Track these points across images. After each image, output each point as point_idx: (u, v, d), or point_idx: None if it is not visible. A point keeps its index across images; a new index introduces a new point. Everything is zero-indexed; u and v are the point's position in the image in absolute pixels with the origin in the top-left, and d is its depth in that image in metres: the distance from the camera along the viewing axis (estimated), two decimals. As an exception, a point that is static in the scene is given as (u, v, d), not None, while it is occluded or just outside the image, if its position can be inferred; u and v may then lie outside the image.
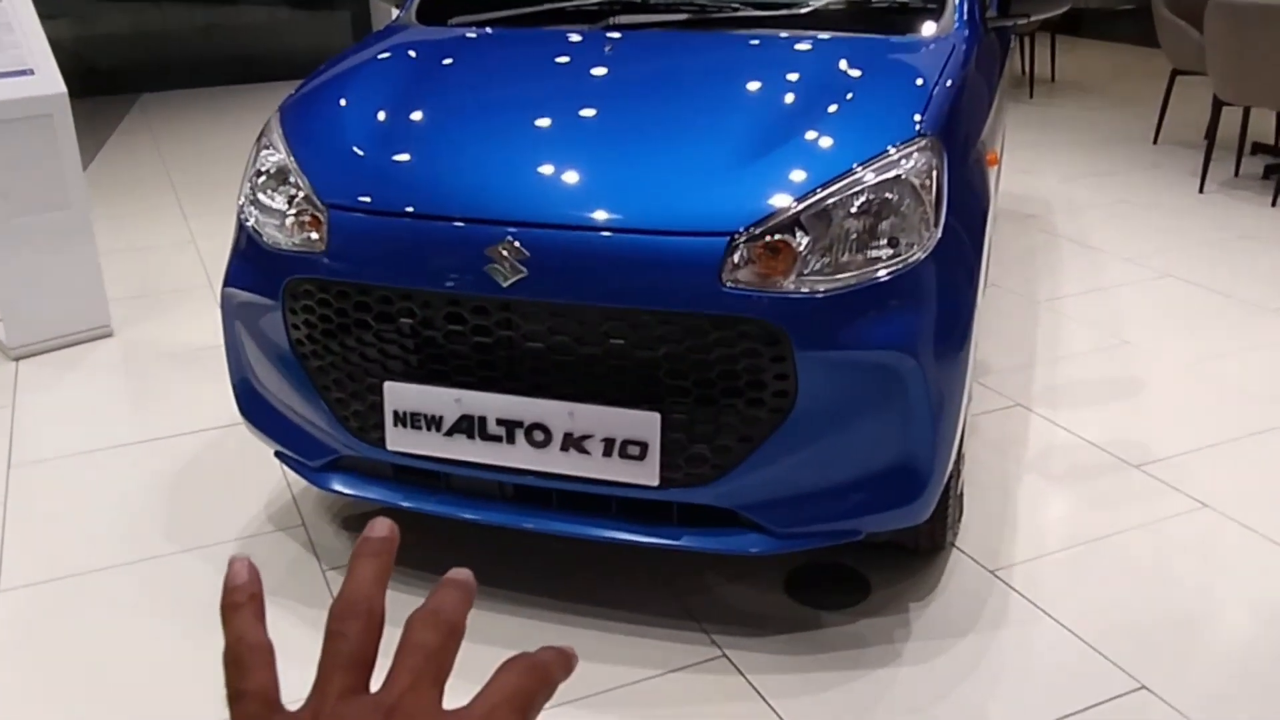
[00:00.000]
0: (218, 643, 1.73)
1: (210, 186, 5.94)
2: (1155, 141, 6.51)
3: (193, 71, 8.95)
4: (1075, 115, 7.26)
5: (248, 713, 0.47)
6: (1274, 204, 5.35)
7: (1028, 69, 8.33)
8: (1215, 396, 3.50)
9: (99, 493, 3.06)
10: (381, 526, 0.53)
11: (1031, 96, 7.82)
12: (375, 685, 0.48)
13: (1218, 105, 5.67)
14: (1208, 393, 3.52)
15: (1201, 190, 5.59)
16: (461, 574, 0.51)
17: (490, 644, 2.42)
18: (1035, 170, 5.94)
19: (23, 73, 3.71)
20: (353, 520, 2.89)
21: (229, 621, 0.50)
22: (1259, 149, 6.02)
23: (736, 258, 2.12)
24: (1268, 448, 3.19)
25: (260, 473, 3.11)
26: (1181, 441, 3.21)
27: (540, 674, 0.48)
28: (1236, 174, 5.80)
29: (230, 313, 2.56)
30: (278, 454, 2.65)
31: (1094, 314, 4.14)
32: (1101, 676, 2.30)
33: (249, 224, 2.50)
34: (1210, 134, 5.77)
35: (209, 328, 4.09)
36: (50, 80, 3.75)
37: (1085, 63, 8.96)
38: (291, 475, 3.06)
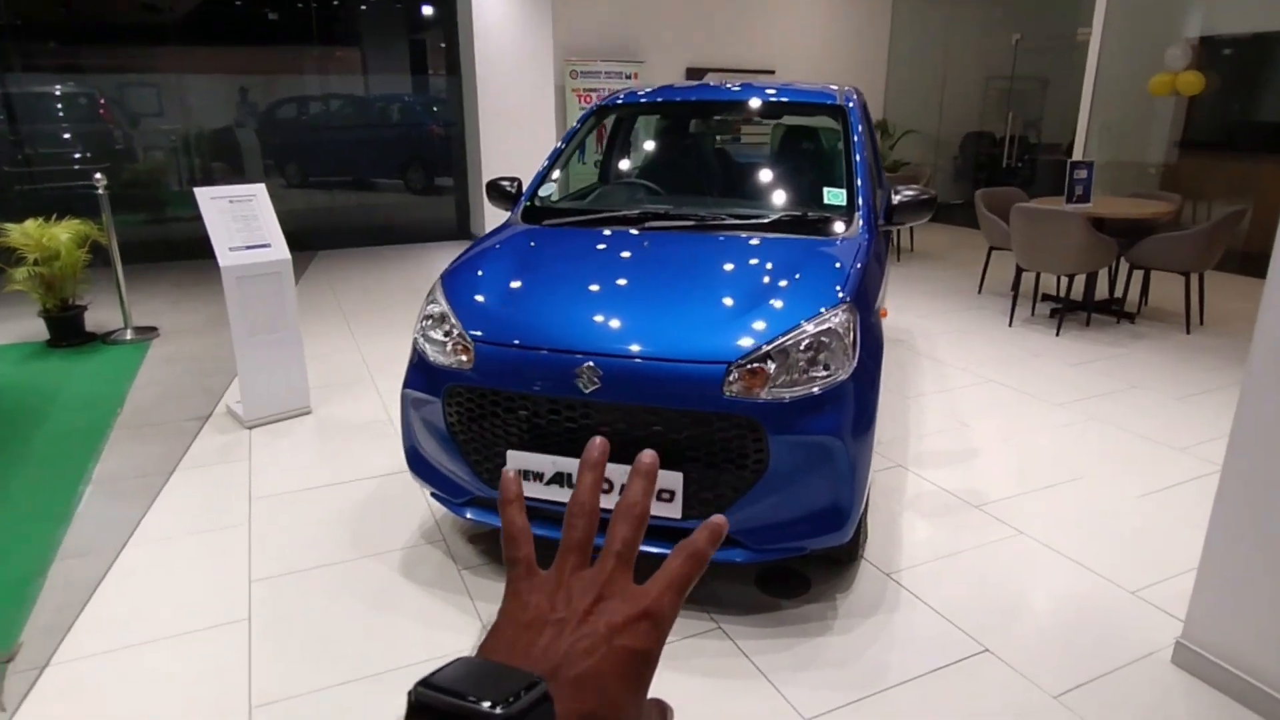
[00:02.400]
0: (392, 617, 2.00)
1: (368, 313, 6.13)
2: (979, 292, 6.72)
3: (352, 235, 9.21)
4: (926, 274, 7.50)
5: (518, 573, 0.49)
6: (1057, 334, 5.54)
7: (896, 243, 8.64)
8: (1024, 461, 3.62)
9: (308, 517, 3.17)
10: (597, 446, 0.53)
11: (899, 260, 8.10)
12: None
13: (1019, 270, 5.92)
14: (1019, 459, 3.65)
15: (1010, 325, 5.78)
16: (645, 462, 0.52)
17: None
18: (902, 310, 6.15)
19: (264, 245, 3.92)
20: (477, 537, 3.00)
21: (504, 512, 0.51)
22: (1046, 298, 6.26)
23: (731, 377, 2.29)
24: (1060, 495, 3.32)
25: (412, 505, 3.24)
26: (1005, 490, 3.34)
27: (698, 560, 0.48)
28: (1032, 314, 6.02)
29: (407, 404, 2.70)
30: (432, 494, 2.77)
31: (943, 406, 4.29)
32: (960, 642, 2.42)
33: (420, 348, 2.67)
34: (1014, 288, 5.99)
35: (373, 408, 4.26)
36: (280, 249, 3.95)
37: (931, 239, 9.26)
38: (435, 506, 3.19)
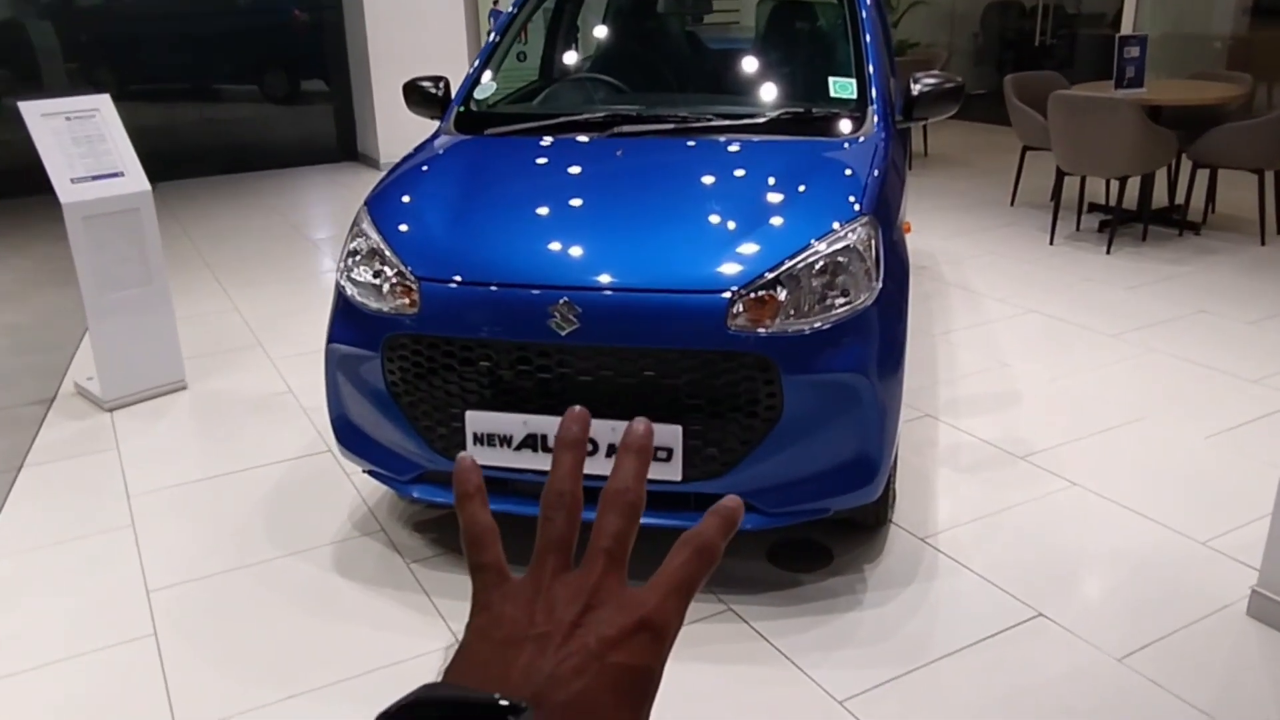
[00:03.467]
0: (334, 622, 2.33)
1: (238, 262, 6.19)
2: (1012, 204, 7.07)
3: (198, 162, 9.13)
4: (947, 184, 7.82)
5: (486, 581, 0.52)
6: (1108, 252, 5.90)
7: (908, 145, 8.93)
8: (1075, 403, 3.96)
9: (207, 513, 3.33)
10: (576, 418, 0.55)
11: (910, 168, 8.39)
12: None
13: (1060, 174, 6.25)
14: (1069, 401, 3.98)
15: (1051, 243, 6.13)
16: (639, 432, 0.54)
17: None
18: (921, 231, 6.44)
19: (116, 174, 4.00)
20: (424, 524, 3.21)
21: (463, 509, 0.53)
22: (1094, 208, 6.62)
23: (736, 308, 2.51)
24: (1117, 440, 3.65)
25: (337, 491, 3.42)
26: (1053, 438, 3.66)
27: (707, 556, 0.50)
28: (1078, 229, 6.38)
29: (334, 364, 2.86)
30: (369, 472, 2.95)
31: (977, 343, 4.61)
32: (1011, 609, 2.73)
33: (348, 293, 2.83)
34: (1055, 197, 6.31)
35: (268, 378, 4.40)
36: (137, 179, 4.03)
37: (950, 139, 9.57)
38: (367, 491, 3.38)
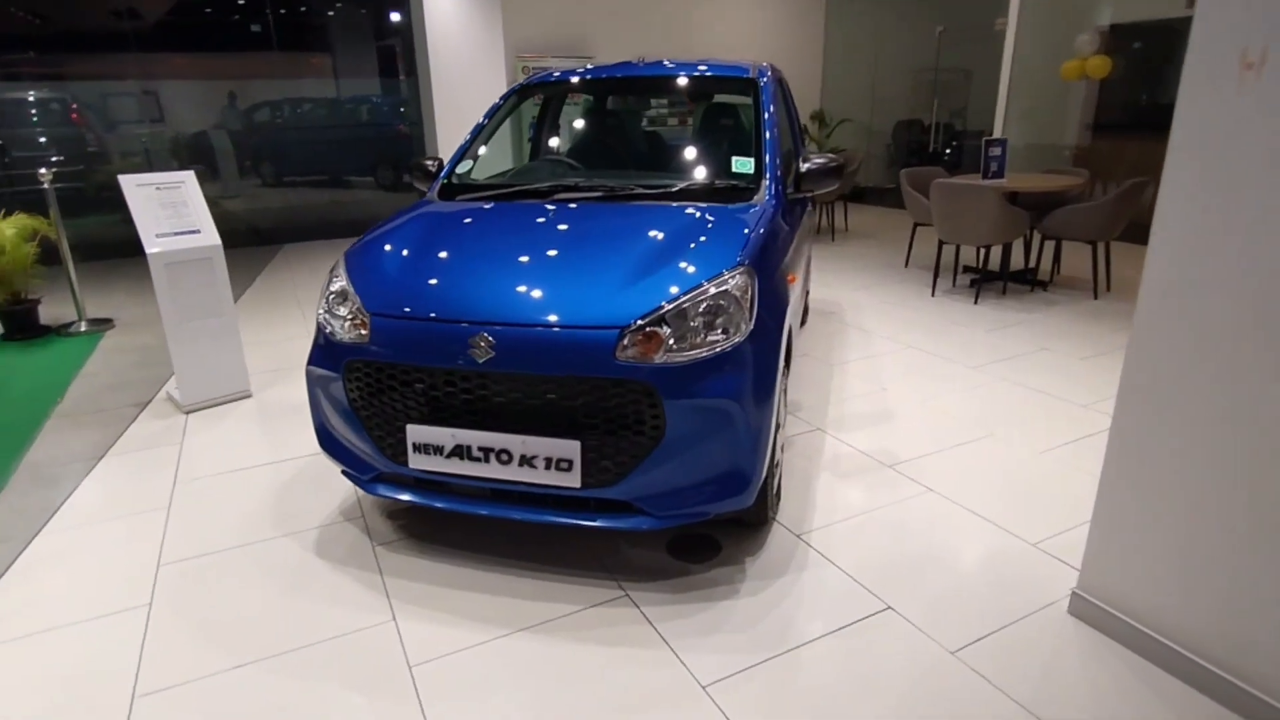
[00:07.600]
0: (298, 598, 1.71)
1: (323, 301, 5.83)
2: (905, 266, 6.55)
3: (312, 230, 8.86)
4: (858, 251, 7.32)
5: None
6: (976, 302, 5.38)
7: (831, 224, 8.43)
8: (937, 422, 3.45)
9: (232, 498, 2.91)
10: None
11: (833, 240, 7.91)
12: None
13: (940, 244, 5.75)
14: (933, 419, 3.47)
15: (933, 295, 5.61)
16: None
17: (473, 590, 2.31)
18: (833, 285, 5.95)
19: (194, 231, 3.61)
20: (397, 513, 2.76)
21: None
22: (967, 269, 6.11)
23: (626, 342, 2.06)
24: (968, 453, 3.14)
25: (338, 482, 2.99)
26: (917, 449, 3.16)
27: None
28: (954, 285, 5.85)
29: (312, 382, 2.44)
30: (343, 471, 2.52)
31: (866, 371, 4.11)
32: (864, 600, 2.23)
33: (324, 327, 2.41)
34: (936, 261, 5.83)
35: (314, 390, 3.98)
36: (210, 235, 3.64)
37: (864, 219, 9.07)
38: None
